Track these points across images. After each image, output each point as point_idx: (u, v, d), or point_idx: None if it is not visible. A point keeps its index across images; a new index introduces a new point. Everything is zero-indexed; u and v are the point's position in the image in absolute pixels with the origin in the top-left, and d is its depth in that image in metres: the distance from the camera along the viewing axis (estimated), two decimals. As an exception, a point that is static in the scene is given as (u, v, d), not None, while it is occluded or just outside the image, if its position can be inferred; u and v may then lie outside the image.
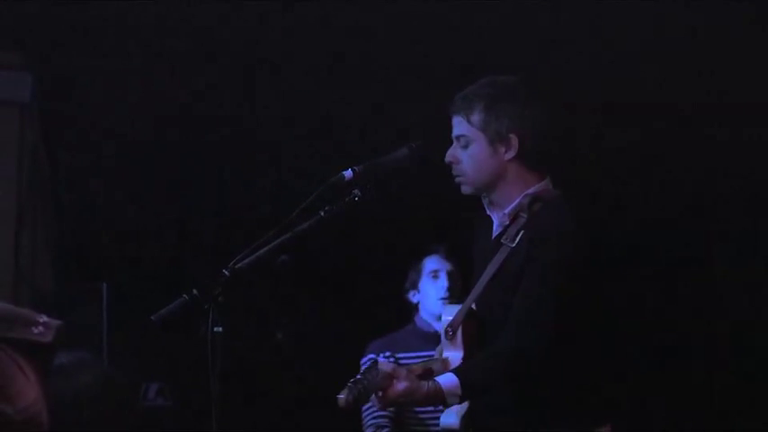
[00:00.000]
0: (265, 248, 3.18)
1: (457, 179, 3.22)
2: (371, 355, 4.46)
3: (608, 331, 3.22)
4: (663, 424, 6.28)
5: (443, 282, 4.54)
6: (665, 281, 6.36)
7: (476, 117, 3.16)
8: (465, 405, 3.14)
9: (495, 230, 3.22)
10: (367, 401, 3.06)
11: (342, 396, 2.92)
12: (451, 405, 3.03)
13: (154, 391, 4.78)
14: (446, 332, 3.18)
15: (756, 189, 6.24)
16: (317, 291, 5.42)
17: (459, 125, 3.20)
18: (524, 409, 3.09)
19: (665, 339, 6.33)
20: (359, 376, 3.00)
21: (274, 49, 5.39)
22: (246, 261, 3.16)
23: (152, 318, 3.09)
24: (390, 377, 3.00)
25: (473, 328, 3.18)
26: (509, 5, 4.97)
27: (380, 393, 2.99)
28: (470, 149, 3.17)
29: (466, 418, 3.16)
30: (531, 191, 3.17)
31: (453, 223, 5.73)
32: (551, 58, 5.19)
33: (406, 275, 4.64)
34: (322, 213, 3.21)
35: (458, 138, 3.21)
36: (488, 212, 3.26)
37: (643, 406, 6.26)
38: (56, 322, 1.49)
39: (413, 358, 4.43)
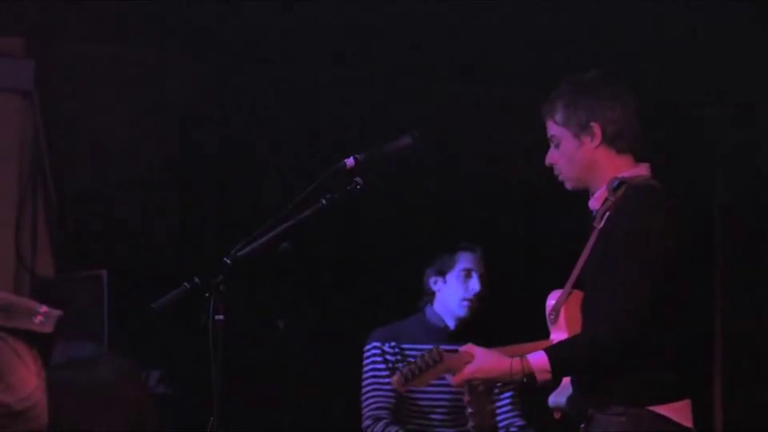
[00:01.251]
0: (267, 236, 3.18)
1: (559, 177, 3.36)
2: (376, 343, 4.42)
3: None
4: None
5: (475, 284, 4.46)
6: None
7: (558, 116, 3.33)
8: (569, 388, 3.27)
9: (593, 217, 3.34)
10: (422, 383, 3.14)
11: (396, 377, 3.13)
12: (543, 382, 3.12)
13: (155, 378, 4.76)
14: (549, 316, 3.31)
15: (758, 189, 6.25)
16: (320, 279, 5.41)
17: (549, 127, 3.36)
18: (600, 380, 3.17)
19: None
20: (412, 360, 3.13)
21: (275, 48, 5.39)
22: (248, 249, 3.16)
23: (153, 306, 3.09)
24: (470, 355, 3.15)
25: (574, 310, 3.28)
26: (509, 5, 4.98)
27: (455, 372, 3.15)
28: (561, 147, 3.33)
29: (573, 400, 3.28)
30: (619, 175, 3.27)
31: (455, 219, 5.76)
32: (551, 59, 5.20)
33: (421, 261, 4.55)
34: (323, 201, 3.23)
35: (550, 138, 3.36)
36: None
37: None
38: (56, 312, 1.48)
39: (419, 351, 4.39)
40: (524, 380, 3.12)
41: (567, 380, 3.32)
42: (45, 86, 5.16)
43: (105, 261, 4.92)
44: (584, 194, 3.25)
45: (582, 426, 3.24)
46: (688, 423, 3.20)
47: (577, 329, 3.24)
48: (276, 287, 4.34)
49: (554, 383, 3.24)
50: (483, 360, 3.15)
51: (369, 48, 5.36)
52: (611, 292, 3.12)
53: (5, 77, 5.07)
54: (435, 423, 4.36)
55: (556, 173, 3.37)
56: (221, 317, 3.09)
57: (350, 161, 3.25)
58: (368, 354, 4.42)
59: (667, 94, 5.96)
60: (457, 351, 3.19)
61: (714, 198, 6.42)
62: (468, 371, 3.15)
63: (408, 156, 3.30)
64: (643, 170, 3.33)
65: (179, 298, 3.09)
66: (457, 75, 5.75)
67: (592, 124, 3.28)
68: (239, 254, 3.15)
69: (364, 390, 4.36)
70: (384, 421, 4.26)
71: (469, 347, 3.20)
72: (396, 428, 4.24)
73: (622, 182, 3.26)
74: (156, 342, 4.76)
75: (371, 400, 4.32)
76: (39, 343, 1.49)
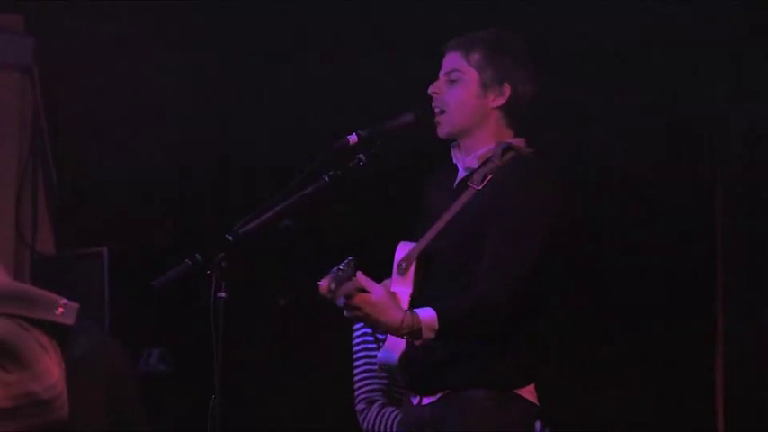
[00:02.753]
0: (269, 213, 3.16)
1: (437, 114, 3.19)
2: None
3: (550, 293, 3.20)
4: (661, 422, 6.29)
5: None
6: (666, 278, 6.36)
7: (475, 56, 3.16)
8: (404, 345, 3.13)
9: (460, 176, 3.21)
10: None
11: (324, 282, 2.93)
12: (425, 339, 2.96)
13: (156, 356, 4.75)
14: (399, 266, 3.16)
15: (760, 188, 6.23)
16: (324, 256, 5.37)
17: (455, 60, 3.18)
18: (460, 360, 3.07)
19: (665, 337, 6.34)
20: (341, 266, 2.94)
21: (277, 31, 5.38)
22: (250, 226, 3.14)
23: (154, 283, 3.07)
24: (363, 290, 2.96)
25: (424, 266, 3.15)
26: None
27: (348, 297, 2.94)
28: (459, 85, 3.17)
29: (404, 359, 3.14)
30: (507, 140, 3.17)
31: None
32: (552, 48, 5.18)
33: None
34: (326, 178, 3.20)
35: (449, 72, 3.19)
36: (454, 161, 3.25)
37: (639, 403, 6.27)
38: (74, 305, 1.47)
39: None
40: (407, 336, 2.95)
41: (396, 338, 3.11)
42: (45, 63, 5.14)
43: (105, 238, 4.90)
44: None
45: (420, 398, 3.15)
46: (537, 403, 3.14)
47: (422, 286, 3.12)
48: (279, 264, 4.31)
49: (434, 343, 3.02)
50: (381, 299, 2.93)
51: (370, 38, 5.34)
52: (502, 255, 3.01)
53: (5, 53, 5.05)
54: None
55: (435, 104, 3.19)
56: (223, 294, 3.07)
57: (352, 137, 3.23)
58: (358, 332, 4.13)
59: (668, 90, 5.95)
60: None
61: (715, 197, 6.41)
62: (359, 300, 2.91)
63: (411, 132, 3.27)
64: (523, 143, 3.21)
65: (180, 275, 3.07)
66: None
67: (505, 84, 3.15)
68: (241, 231, 3.13)
69: (356, 371, 4.15)
70: (379, 403, 4.16)
71: (370, 282, 2.96)
72: (391, 410, 4.14)
73: (510, 147, 3.15)
74: (157, 320, 4.75)
75: (364, 382, 4.18)
76: (58, 335, 1.47)
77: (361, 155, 3.21)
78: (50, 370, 1.39)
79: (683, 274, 6.33)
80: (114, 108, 5.28)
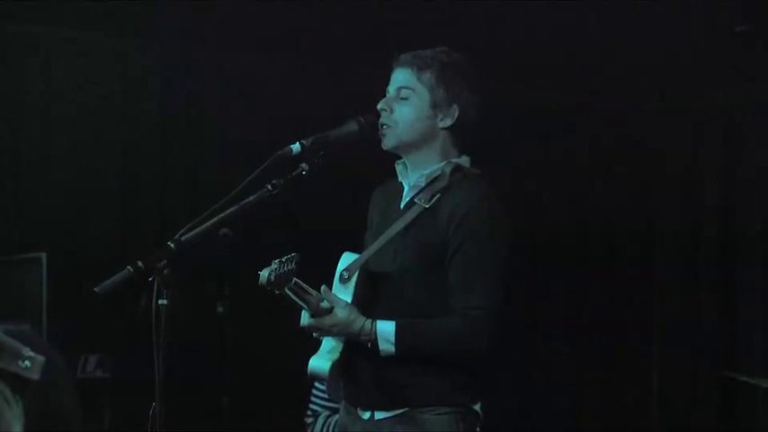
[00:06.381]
0: (211, 221, 3.17)
1: (384, 129, 3.18)
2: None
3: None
4: (603, 419, 6.36)
5: None
6: (607, 279, 6.44)
7: (426, 75, 3.16)
8: (338, 352, 3.18)
9: (407, 194, 3.22)
10: (283, 288, 3.00)
11: (264, 273, 2.96)
12: (383, 351, 3.01)
13: (93, 362, 4.71)
14: (341, 275, 3.17)
15: (701, 190, 6.33)
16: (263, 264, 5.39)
17: (406, 78, 3.18)
18: (420, 378, 3.09)
19: (609, 337, 6.42)
20: (284, 259, 2.95)
21: (248, 40, 5.39)
22: (191, 234, 3.14)
23: (95, 289, 3.06)
24: (331, 309, 3.03)
25: (366, 277, 3.18)
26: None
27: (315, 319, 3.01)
28: (410, 103, 3.16)
29: (336, 368, 3.18)
30: (454, 160, 3.19)
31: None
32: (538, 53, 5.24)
33: None
34: (269, 187, 3.21)
35: (400, 89, 3.18)
36: (400, 179, 3.26)
37: (578, 402, 6.33)
38: (40, 358, 1.37)
39: None
40: (368, 345, 3.02)
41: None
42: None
43: (45, 244, 4.88)
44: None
45: (372, 413, 3.16)
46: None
47: (361, 295, 3.15)
48: (217, 272, 4.28)
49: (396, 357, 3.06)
50: (343, 312, 3.02)
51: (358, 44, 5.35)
52: (475, 287, 3.05)
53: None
54: None
55: (383, 121, 3.18)
56: (164, 301, 3.07)
57: (296, 147, 3.24)
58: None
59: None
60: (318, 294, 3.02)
61: (658, 199, 6.52)
62: (327, 322, 3.02)
63: (355, 140, 3.28)
64: (468, 162, 3.23)
65: (122, 281, 3.06)
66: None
67: (454, 105, 3.16)
68: (183, 238, 3.13)
69: (312, 391, 4.23)
70: (324, 414, 4.19)
71: (335, 298, 3.05)
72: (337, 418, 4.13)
73: (458, 168, 3.19)
74: (96, 325, 4.73)
75: (314, 398, 4.22)
76: (19, 387, 1.36)
77: (304, 164, 3.21)
78: (11, 427, 1.31)
79: (623, 276, 6.44)
80: (57, 112, 5.26)
